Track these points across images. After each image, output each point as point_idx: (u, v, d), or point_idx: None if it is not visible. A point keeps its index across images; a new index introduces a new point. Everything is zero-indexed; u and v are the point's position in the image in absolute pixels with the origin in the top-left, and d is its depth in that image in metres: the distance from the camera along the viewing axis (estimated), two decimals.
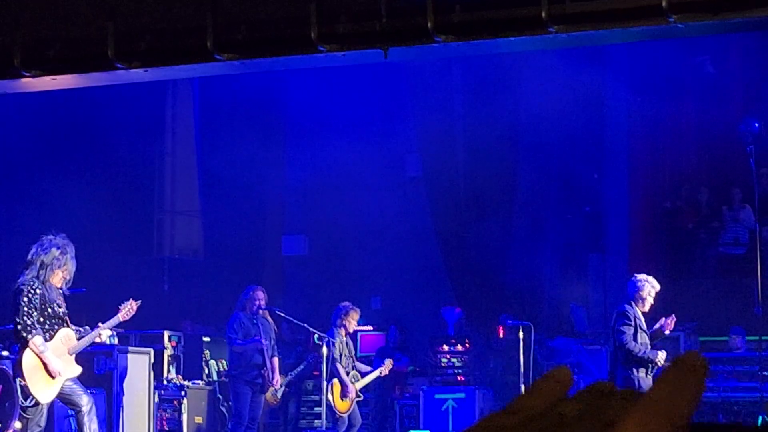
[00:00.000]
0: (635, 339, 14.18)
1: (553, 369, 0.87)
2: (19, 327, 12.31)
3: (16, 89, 9.86)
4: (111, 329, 13.63)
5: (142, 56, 8.82)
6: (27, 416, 12.59)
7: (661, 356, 14.14)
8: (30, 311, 12.24)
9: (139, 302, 13.26)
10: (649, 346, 14.32)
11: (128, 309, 13.10)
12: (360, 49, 8.70)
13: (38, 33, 9.21)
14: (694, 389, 0.81)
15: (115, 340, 15.22)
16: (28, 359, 12.30)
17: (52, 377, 12.32)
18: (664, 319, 14.56)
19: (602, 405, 0.80)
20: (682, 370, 0.82)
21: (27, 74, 8.85)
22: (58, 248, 12.48)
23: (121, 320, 13.24)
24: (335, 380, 16.40)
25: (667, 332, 14.69)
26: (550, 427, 0.77)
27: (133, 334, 16.20)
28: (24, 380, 12.36)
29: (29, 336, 12.23)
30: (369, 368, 16.99)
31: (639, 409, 0.78)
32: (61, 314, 12.50)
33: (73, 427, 14.15)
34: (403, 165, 20.73)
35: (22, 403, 12.60)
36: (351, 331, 16.81)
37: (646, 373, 14.20)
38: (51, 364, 12.25)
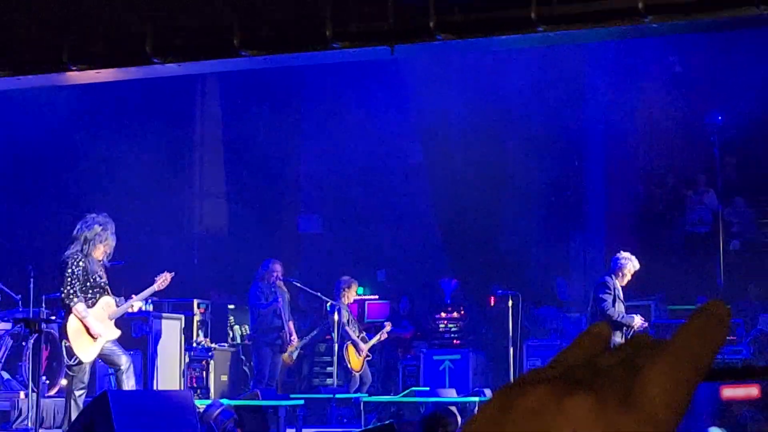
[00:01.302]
0: (613, 306, 14.23)
1: (593, 324, 0.84)
2: (63, 295, 12.37)
3: (63, 82, 9.86)
4: (147, 298, 13.67)
5: (176, 53, 8.81)
6: (72, 374, 12.61)
7: (637, 320, 14.20)
8: (73, 281, 12.28)
9: (172, 274, 13.28)
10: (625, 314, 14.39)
11: (163, 280, 13.13)
12: (369, 46, 8.70)
13: (83, 32, 9.21)
14: (718, 336, 0.77)
15: (150, 307, 15.25)
16: (72, 323, 12.34)
17: (94, 339, 12.35)
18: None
19: (635, 355, 0.77)
20: (707, 317, 0.78)
21: (74, 68, 8.83)
22: (100, 225, 12.51)
23: (157, 290, 13.26)
24: (348, 342, 16.47)
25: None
26: (588, 376, 0.76)
27: (166, 302, 16.25)
28: (69, 342, 12.40)
29: (72, 303, 12.27)
30: (372, 333, 17.13)
31: (665, 356, 0.75)
32: (102, 284, 12.52)
33: (112, 384, 14.18)
34: (406, 153, 20.72)
35: (67, 362, 12.62)
36: (351, 301, 16.89)
37: (621, 337, 14.24)
38: (92, 328, 12.29)
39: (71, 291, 12.26)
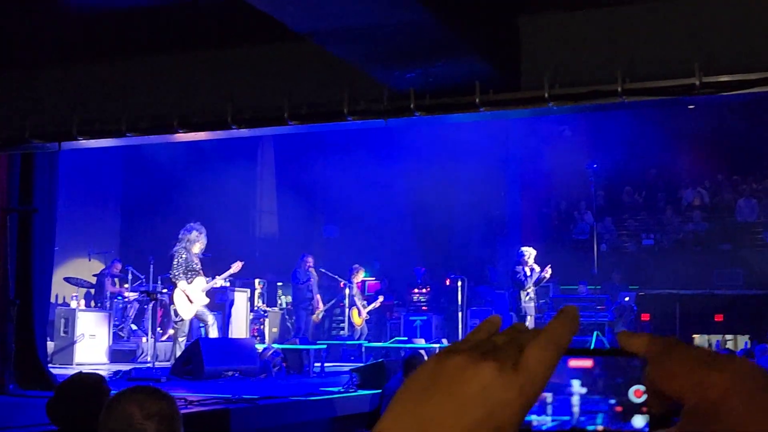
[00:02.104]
0: (524, 282, 14.26)
1: (490, 316, 0.85)
2: (171, 276, 12.35)
3: (172, 140, 9.79)
4: (226, 278, 13.63)
5: (245, 122, 8.76)
6: (177, 327, 12.59)
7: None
8: (179, 268, 12.28)
9: (243, 263, 13.27)
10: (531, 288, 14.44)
11: (236, 266, 13.13)
12: (371, 119, 8.67)
13: (190, 107, 9.15)
14: (572, 328, 0.80)
15: (228, 284, 15.20)
16: (178, 294, 12.33)
17: (191, 303, 12.32)
18: (546, 268, 14.62)
19: (519, 337, 0.79)
20: (566, 315, 0.81)
21: (181, 131, 8.78)
22: (197, 231, 12.50)
23: (233, 272, 13.26)
24: (354, 307, 16.44)
25: (546, 275, 14.73)
26: (490, 349, 0.77)
27: (239, 280, 16.20)
28: (175, 306, 12.37)
29: (178, 281, 12.25)
30: (368, 302, 17.14)
31: (539, 338, 0.78)
32: (197, 269, 12.50)
33: (203, 334, 14.15)
34: (392, 187, 20.66)
35: (174, 319, 12.60)
36: (359, 280, 16.90)
37: (530, 299, 14.28)
38: (190, 296, 12.26)
39: (177, 273, 12.27)
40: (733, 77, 7.92)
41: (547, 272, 14.60)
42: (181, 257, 12.31)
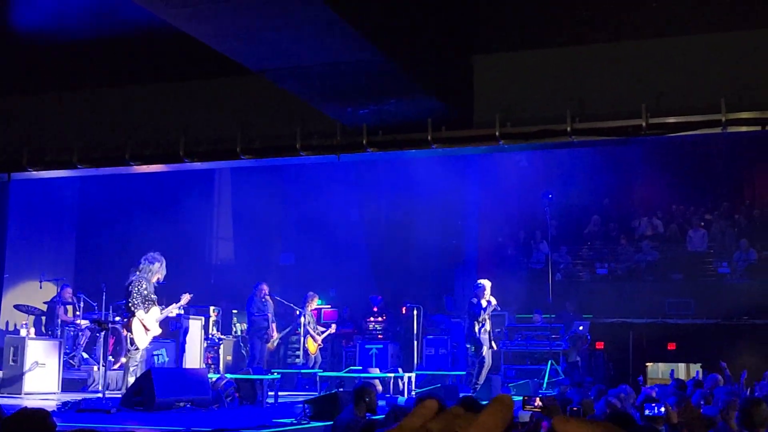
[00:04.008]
0: (478, 314, 14.28)
1: (425, 401, 0.82)
2: (130, 304, 12.21)
3: (125, 172, 9.72)
4: (179, 307, 13.53)
5: (198, 155, 8.73)
6: (130, 356, 12.43)
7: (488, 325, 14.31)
8: (138, 296, 12.16)
9: (192, 295, 13.20)
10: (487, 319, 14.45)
11: (185, 298, 13.08)
12: (324, 154, 8.69)
13: (142, 139, 9.11)
14: (504, 416, 0.78)
15: (182, 311, 15.02)
16: (135, 323, 12.20)
17: (147, 332, 12.21)
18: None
19: (454, 424, 0.79)
20: (500, 403, 0.79)
21: (133, 164, 8.72)
22: (158, 261, 12.41)
23: (183, 304, 13.17)
24: (308, 335, 16.36)
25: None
26: None
27: (193, 307, 16.02)
28: (132, 335, 12.23)
29: (136, 310, 12.14)
30: (325, 329, 17.04)
31: (474, 425, 0.76)
32: (154, 299, 12.40)
33: (156, 363, 14.02)
34: (348, 215, 20.67)
35: (129, 347, 12.44)
36: (314, 308, 16.85)
37: (479, 330, 14.29)
38: (147, 325, 12.16)
39: (137, 303, 12.15)
40: (679, 119, 8.08)
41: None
42: (142, 286, 12.20)
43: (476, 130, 8.27)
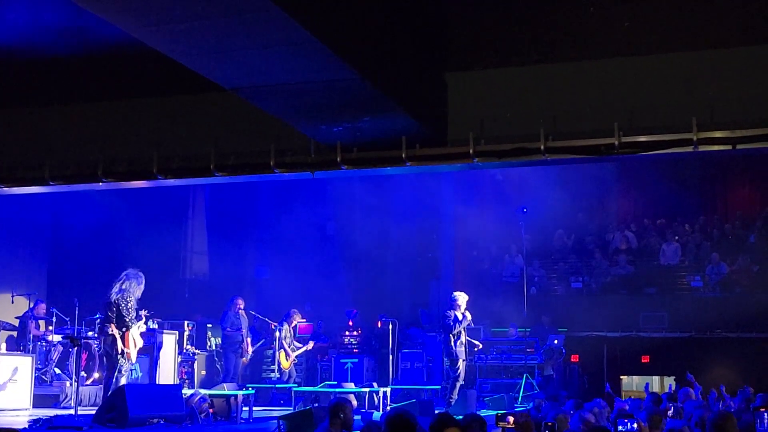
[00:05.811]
0: (453, 327, 14.21)
1: None
2: (126, 319, 12.00)
3: (97, 188, 9.63)
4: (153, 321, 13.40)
5: (172, 172, 8.67)
6: (122, 371, 12.23)
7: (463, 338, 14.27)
8: (131, 311, 12.06)
9: (146, 311, 13.00)
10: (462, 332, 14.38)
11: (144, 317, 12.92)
12: (298, 171, 8.66)
13: (115, 156, 9.04)
14: None
15: (156, 325, 14.86)
16: (130, 337, 12.09)
17: (136, 346, 12.16)
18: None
19: None
20: None
21: (104, 180, 8.65)
22: (141, 276, 12.30)
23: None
24: (281, 350, 16.26)
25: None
26: None
27: (167, 321, 15.87)
28: (127, 349, 12.07)
29: (132, 324, 12.06)
30: (301, 345, 16.92)
31: None
32: (135, 314, 12.29)
33: (133, 376, 13.86)
34: (324, 229, 20.62)
35: (122, 361, 12.20)
36: (295, 324, 16.73)
37: (455, 343, 14.21)
38: (136, 339, 12.11)
39: (132, 317, 12.03)
40: (651, 137, 8.12)
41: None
42: (130, 301, 12.11)
43: (450, 148, 8.29)
